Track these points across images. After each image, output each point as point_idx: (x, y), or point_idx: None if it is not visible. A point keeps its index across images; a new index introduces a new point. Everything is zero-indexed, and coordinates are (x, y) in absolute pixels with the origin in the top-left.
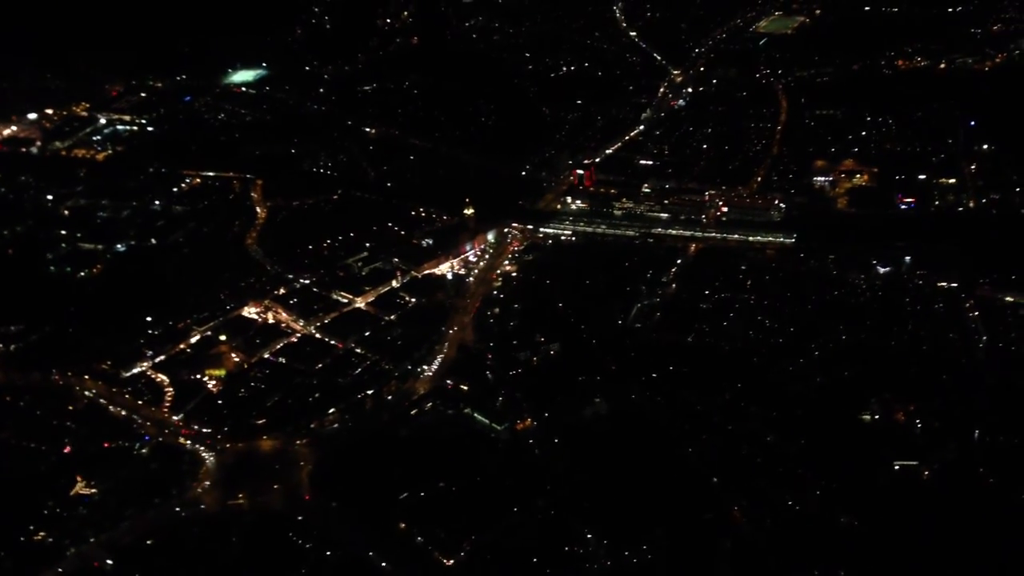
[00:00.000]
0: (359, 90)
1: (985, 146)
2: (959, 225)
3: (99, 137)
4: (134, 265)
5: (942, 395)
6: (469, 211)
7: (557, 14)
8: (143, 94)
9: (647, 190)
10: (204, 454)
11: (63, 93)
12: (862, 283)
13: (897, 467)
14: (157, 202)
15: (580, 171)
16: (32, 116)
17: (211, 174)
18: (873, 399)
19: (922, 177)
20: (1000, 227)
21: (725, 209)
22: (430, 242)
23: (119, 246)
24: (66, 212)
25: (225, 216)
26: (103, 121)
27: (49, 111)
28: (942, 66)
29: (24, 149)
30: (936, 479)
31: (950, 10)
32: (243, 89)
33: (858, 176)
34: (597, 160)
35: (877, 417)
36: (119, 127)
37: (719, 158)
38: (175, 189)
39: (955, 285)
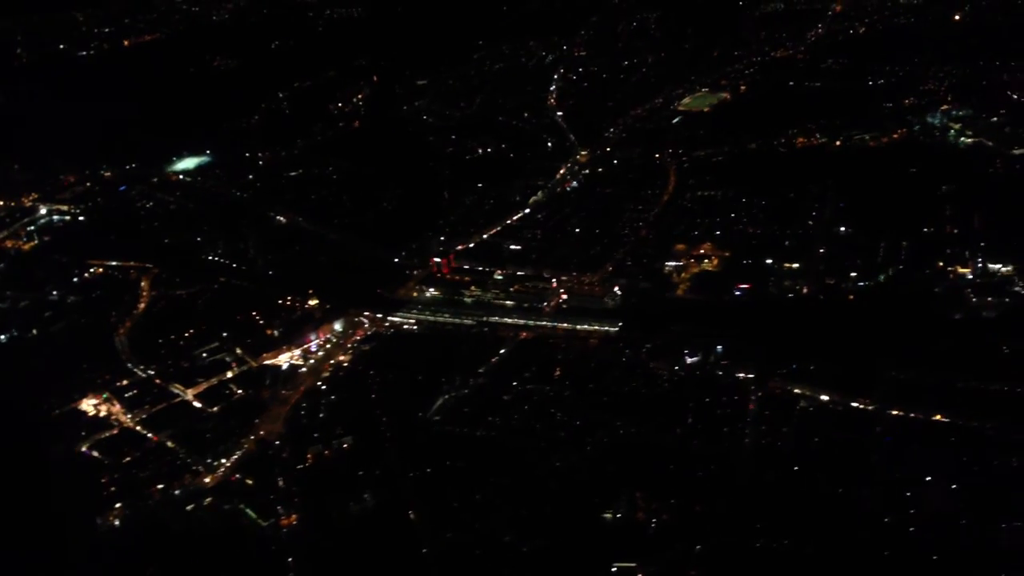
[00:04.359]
0: (284, 176)
1: (843, 228)
2: (783, 313)
3: (33, 227)
4: (7, 357)
5: (690, 494)
6: (314, 301)
7: (494, 96)
8: (88, 183)
9: (498, 277)
10: None
11: (21, 184)
12: (665, 373)
13: (615, 569)
14: (55, 292)
15: (438, 259)
16: None
17: (114, 263)
18: (622, 497)
19: (769, 261)
20: (820, 315)
21: (565, 296)
22: (279, 332)
23: (2, 337)
24: None
25: (109, 306)
26: (43, 211)
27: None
28: (838, 143)
29: None
30: None
31: (870, 83)
32: (180, 177)
33: (707, 261)
34: (471, 245)
35: (619, 516)
36: (55, 217)
37: (585, 242)
38: (75, 279)
39: (752, 376)
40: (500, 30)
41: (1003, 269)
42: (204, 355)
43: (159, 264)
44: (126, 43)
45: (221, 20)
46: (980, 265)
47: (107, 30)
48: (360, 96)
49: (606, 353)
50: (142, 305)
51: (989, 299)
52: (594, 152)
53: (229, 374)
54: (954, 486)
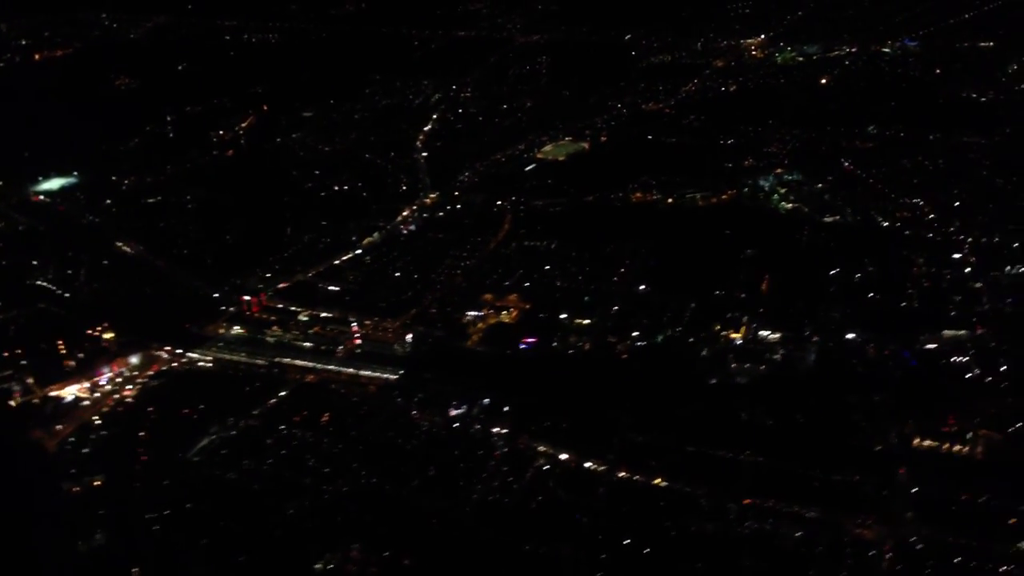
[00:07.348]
0: (142, 202)
1: (643, 287)
2: (559, 368)
3: None
4: None
5: (404, 547)
6: (109, 334)
7: (370, 132)
8: None
9: (303, 319)
10: None
11: None
12: (425, 424)
13: None
14: None
15: (248, 296)
16: None
17: None
18: (339, 548)
19: (564, 316)
20: (590, 373)
21: (359, 341)
22: (76, 363)
23: None
24: None
25: None
26: None
27: None
28: (670, 201)
29: None
30: None
31: (721, 142)
32: (41, 198)
33: (506, 312)
34: (289, 284)
35: (331, 567)
36: None
37: (399, 287)
38: None
39: (504, 431)
40: (400, 66)
41: (771, 336)
42: None
43: None
44: (37, 56)
45: (137, 38)
46: (752, 331)
47: (23, 42)
48: (244, 124)
49: (379, 401)
50: None
51: (747, 365)
52: (442, 196)
53: (12, 404)
54: (646, 550)
